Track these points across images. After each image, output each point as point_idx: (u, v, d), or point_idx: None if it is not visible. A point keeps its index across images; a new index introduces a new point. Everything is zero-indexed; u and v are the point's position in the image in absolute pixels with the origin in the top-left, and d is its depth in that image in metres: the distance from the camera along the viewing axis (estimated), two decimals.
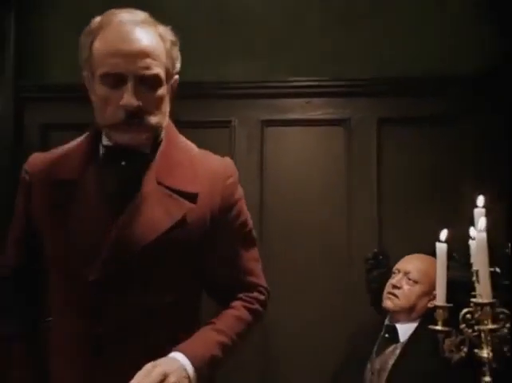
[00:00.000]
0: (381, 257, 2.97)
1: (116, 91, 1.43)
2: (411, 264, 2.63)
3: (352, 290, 3.12)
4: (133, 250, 1.46)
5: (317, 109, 3.27)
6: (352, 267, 3.14)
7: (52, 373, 1.55)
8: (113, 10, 1.48)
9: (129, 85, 1.41)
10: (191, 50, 3.32)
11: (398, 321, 2.57)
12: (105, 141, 1.52)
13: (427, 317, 2.48)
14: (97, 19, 1.48)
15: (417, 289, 2.56)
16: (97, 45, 1.45)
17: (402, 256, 2.86)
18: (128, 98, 1.41)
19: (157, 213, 1.48)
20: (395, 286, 2.58)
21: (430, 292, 2.54)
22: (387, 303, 2.58)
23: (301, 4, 3.31)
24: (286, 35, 3.30)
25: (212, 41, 3.30)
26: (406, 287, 2.56)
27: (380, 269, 2.98)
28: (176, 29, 3.45)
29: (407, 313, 2.55)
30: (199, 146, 3.40)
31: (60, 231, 1.48)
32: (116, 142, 1.49)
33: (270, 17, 3.31)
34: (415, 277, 2.57)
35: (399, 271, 2.63)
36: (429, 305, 2.53)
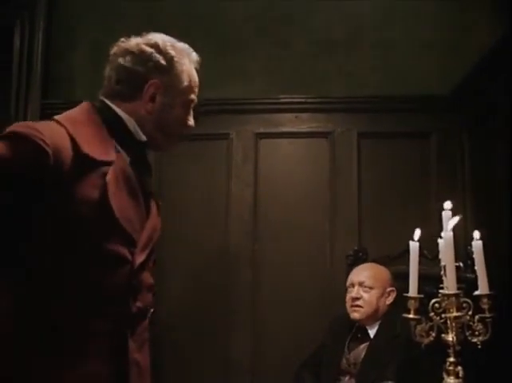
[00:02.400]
0: (361, 254, 3.00)
1: (188, 113, 1.57)
2: (361, 275, 2.65)
3: (333, 284, 3.10)
4: (156, 237, 1.53)
5: (304, 123, 3.30)
6: (335, 263, 3.15)
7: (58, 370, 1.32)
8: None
9: (192, 112, 1.58)
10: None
11: (367, 324, 2.59)
12: (140, 138, 1.50)
13: (387, 313, 2.58)
14: (193, 54, 1.58)
15: (374, 293, 2.58)
16: (193, 75, 1.57)
17: (379, 253, 2.92)
18: (192, 121, 1.59)
19: (154, 207, 1.57)
20: (355, 299, 2.59)
21: (384, 292, 2.60)
22: (355, 315, 2.58)
23: (289, 34, 3.36)
24: (277, 59, 3.34)
25: (213, 64, 3.33)
26: (365, 295, 2.58)
27: (360, 264, 3.03)
28: None
29: (373, 316, 2.58)
30: (200, 156, 3.47)
31: (105, 213, 1.35)
32: (158, 147, 1.58)
33: (264, 44, 3.35)
34: (369, 284, 2.60)
35: (353, 285, 2.64)
36: (387, 303, 2.60)
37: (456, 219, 1.84)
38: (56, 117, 1.40)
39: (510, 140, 2.49)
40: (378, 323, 2.57)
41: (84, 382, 1.32)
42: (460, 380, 1.80)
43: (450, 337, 1.82)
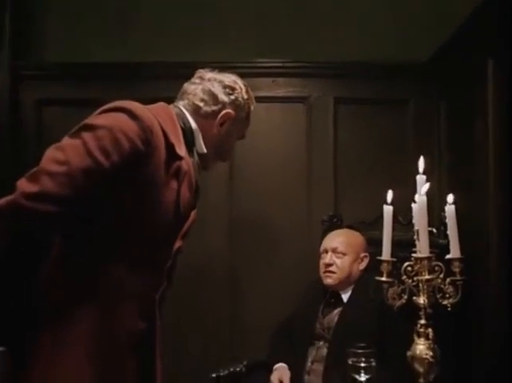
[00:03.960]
0: (336, 219, 3.03)
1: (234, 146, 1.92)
2: (334, 241, 2.67)
3: (310, 249, 3.11)
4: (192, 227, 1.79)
5: (281, 88, 3.29)
6: (312, 228, 3.18)
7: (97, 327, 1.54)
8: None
9: None
10: (167, 34, 3.36)
11: (340, 289, 2.63)
12: (201, 150, 1.79)
13: (360, 279, 2.62)
14: (254, 103, 1.91)
15: (347, 259, 2.61)
16: (250, 119, 1.92)
17: (355, 219, 2.95)
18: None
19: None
20: (328, 265, 2.62)
21: (358, 258, 2.63)
22: (328, 281, 2.61)
23: None
24: (254, 23, 3.31)
25: (187, 27, 3.29)
26: (338, 261, 2.61)
27: (335, 229, 3.06)
28: (153, 15, 3.47)
29: (346, 282, 2.61)
30: None
31: (170, 199, 1.61)
32: (206, 162, 1.83)
33: (241, 6, 3.32)
34: (342, 250, 2.63)
35: (326, 251, 2.66)
36: (360, 268, 2.63)
37: (427, 185, 1.86)
38: (140, 106, 1.59)
39: (486, 108, 2.52)
40: (351, 288, 2.61)
41: (123, 337, 1.56)
42: (430, 341, 1.84)
43: (421, 300, 1.85)
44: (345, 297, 2.60)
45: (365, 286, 2.53)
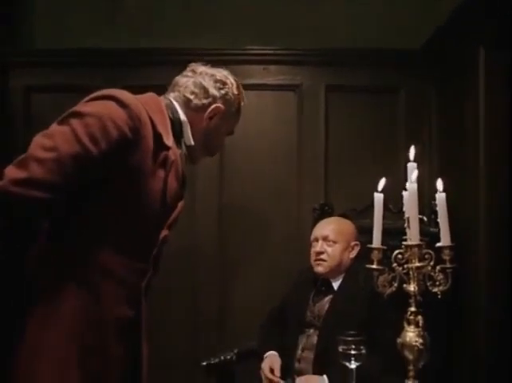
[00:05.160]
0: (327, 208, 3.04)
1: (223, 141, 1.94)
2: (325, 229, 2.66)
3: (300, 237, 3.15)
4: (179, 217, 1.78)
5: (272, 76, 3.28)
6: (302, 216, 3.18)
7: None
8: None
9: None
10: (157, 21, 3.34)
11: (331, 277, 2.62)
12: (188, 142, 1.80)
13: (350, 267, 2.62)
14: (245, 100, 1.92)
15: (338, 247, 2.60)
16: (240, 115, 1.93)
17: (346, 207, 2.95)
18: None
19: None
20: (319, 253, 2.61)
21: (348, 246, 2.62)
22: (318, 269, 2.60)
23: None
24: (246, 10, 3.29)
25: (178, 14, 3.28)
26: (328, 249, 2.60)
27: (326, 218, 3.07)
28: (142, 2, 3.43)
29: (337, 270, 2.60)
30: None
31: (157, 187, 1.62)
32: (192, 155, 1.84)
33: None
34: (333, 238, 2.62)
35: (317, 239, 2.65)
36: (351, 256, 2.63)
37: (416, 171, 1.87)
38: (129, 94, 1.58)
39: (478, 95, 2.53)
40: (342, 276, 2.61)
41: (109, 323, 1.58)
42: (420, 329, 1.86)
43: (411, 287, 1.86)
44: (336, 285, 2.60)
45: (356, 274, 2.54)
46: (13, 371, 1.50)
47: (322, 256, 2.60)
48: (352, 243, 2.64)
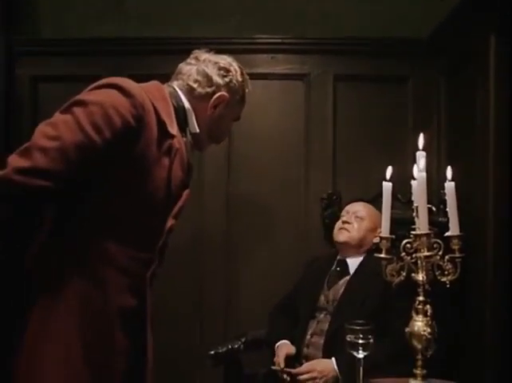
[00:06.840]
0: (335, 197, 3.04)
1: (229, 129, 1.96)
2: (357, 206, 2.73)
3: (308, 226, 3.17)
4: (185, 206, 1.77)
5: (279, 65, 3.26)
6: (309, 206, 3.18)
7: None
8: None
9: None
10: (165, 10, 3.32)
11: (348, 255, 2.63)
12: (194, 130, 1.80)
13: (372, 252, 2.57)
14: (250, 87, 1.91)
15: (365, 224, 2.65)
16: (245, 102, 1.91)
17: (353, 196, 2.95)
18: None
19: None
20: (345, 222, 2.66)
21: (375, 229, 2.62)
22: (339, 237, 2.64)
23: None
24: None
25: (185, 2, 3.27)
26: (355, 223, 2.65)
27: (333, 207, 3.07)
28: None
29: (357, 246, 2.62)
30: None
31: (161, 176, 1.61)
32: (198, 143, 1.85)
33: None
34: (362, 214, 2.67)
35: (348, 212, 2.71)
36: (374, 240, 2.62)
37: (423, 160, 1.85)
38: (132, 82, 1.57)
39: (488, 83, 2.50)
40: (359, 258, 2.61)
41: (113, 312, 1.57)
42: (428, 318, 1.86)
43: (420, 277, 1.86)
44: (352, 266, 2.60)
45: (374, 259, 2.52)
46: (14, 370, 1.49)
47: (347, 226, 2.65)
48: (379, 230, 2.64)
